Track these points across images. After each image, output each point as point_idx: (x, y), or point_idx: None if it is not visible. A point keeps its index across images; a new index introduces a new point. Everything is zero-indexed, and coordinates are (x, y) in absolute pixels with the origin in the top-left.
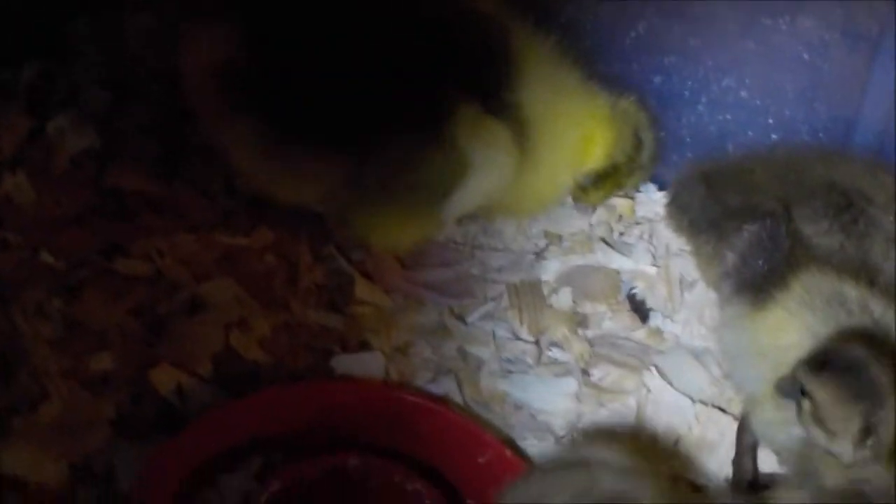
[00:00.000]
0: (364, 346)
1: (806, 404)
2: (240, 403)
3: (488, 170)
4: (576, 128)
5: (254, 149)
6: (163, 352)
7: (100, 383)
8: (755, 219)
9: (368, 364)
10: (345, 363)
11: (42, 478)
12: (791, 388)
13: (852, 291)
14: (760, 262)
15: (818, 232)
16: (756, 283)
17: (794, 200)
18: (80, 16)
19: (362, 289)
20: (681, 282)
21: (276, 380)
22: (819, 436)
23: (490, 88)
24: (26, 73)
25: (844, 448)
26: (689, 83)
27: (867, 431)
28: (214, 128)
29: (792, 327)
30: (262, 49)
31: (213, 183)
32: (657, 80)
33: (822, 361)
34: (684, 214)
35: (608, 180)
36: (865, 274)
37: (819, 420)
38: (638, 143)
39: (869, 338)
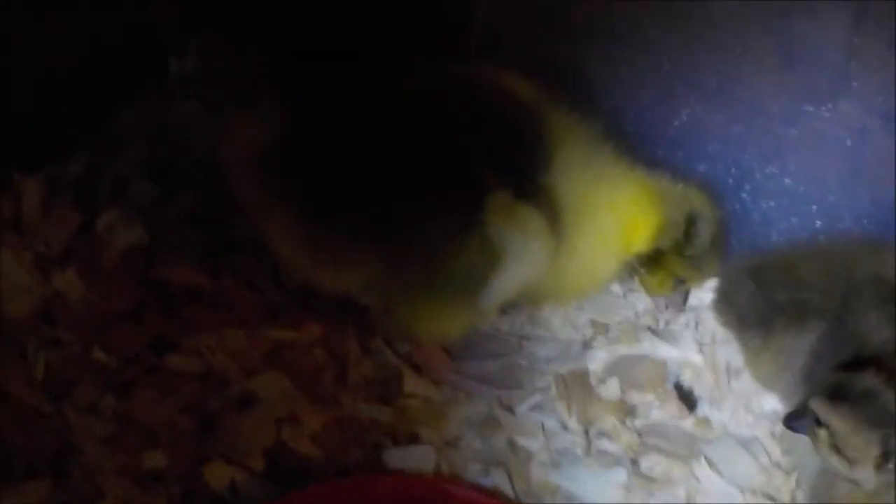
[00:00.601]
0: (414, 438)
1: (823, 434)
2: (292, 499)
3: (523, 256)
4: (614, 212)
5: (294, 237)
6: (214, 448)
7: (153, 480)
8: (816, 320)
9: (419, 458)
10: (396, 457)
11: None
12: (801, 422)
13: None
14: (829, 364)
15: (868, 326)
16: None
17: (842, 295)
18: (125, 106)
19: (411, 381)
20: (727, 370)
21: (328, 474)
22: (839, 464)
23: (523, 173)
24: (73, 167)
25: (866, 475)
26: (733, 170)
27: (886, 456)
28: (255, 217)
29: None
30: (300, 138)
31: (260, 276)
32: (701, 167)
33: (837, 392)
34: (731, 309)
35: (660, 267)
36: None
37: (838, 449)
38: (690, 230)
39: (879, 364)
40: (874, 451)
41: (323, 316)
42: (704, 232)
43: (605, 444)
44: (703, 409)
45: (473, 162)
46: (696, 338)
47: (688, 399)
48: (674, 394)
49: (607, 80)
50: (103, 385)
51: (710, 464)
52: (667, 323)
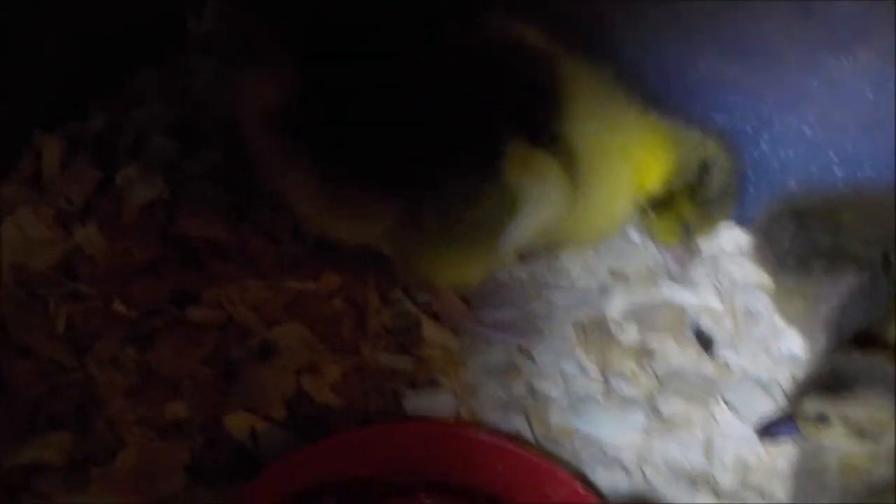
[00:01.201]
0: (433, 386)
1: (838, 426)
2: (313, 448)
3: (541, 203)
4: (627, 155)
5: (310, 191)
6: (236, 398)
7: (175, 431)
8: (855, 269)
9: (439, 404)
10: (416, 403)
11: None
12: (783, 427)
13: None
14: (861, 316)
15: None
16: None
17: (883, 247)
18: (145, 64)
19: (430, 330)
20: (746, 314)
21: (348, 423)
22: (861, 447)
23: (538, 121)
24: (93, 123)
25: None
26: (752, 120)
27: None
28: (272, 172)
29: None
30: (316, 92)
31: (280, 229)
32: (719, 117)
33: (835, 383)
34: (771, 248)
35: (670, 211)
36: None
37: (860, 432)
38: (703, 175)
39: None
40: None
41: (342, 267)
42: (718, 178)
43: (624, 389)
44: (722, 353)
45: (489, 112)
46: (715, 284)
47: (706, 343)
48: (692, 339)
49: (625, 33)
50: (125, 338)
51: (730, 406)
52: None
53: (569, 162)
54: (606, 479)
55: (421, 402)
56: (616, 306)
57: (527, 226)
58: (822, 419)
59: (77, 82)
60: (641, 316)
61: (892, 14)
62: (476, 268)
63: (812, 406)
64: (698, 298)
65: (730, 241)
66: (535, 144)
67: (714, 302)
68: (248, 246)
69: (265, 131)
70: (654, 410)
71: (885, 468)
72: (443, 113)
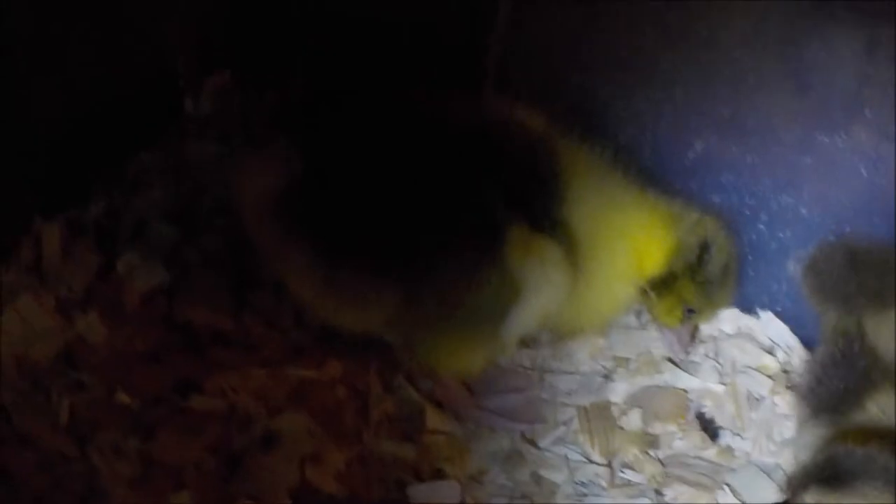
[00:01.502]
0: (438, 474)
1: None
2: None
3: (542, 289)
4: (627, 238)
5: (311, 277)
6: (240, 488)
7: None
8: (828, 340)
9: (444, 493)
10: (420, 493)
11: None
12: None
13: None
14: (836, 383)
15: None
16: (832, 405)
17: None
18: (143, 149)
19: (433, 418)
20: (748, 399)
21: None
22: None
23: (538, 206)
24: (93, 209)
25: None
26: (749, 201)
27: None
28: (272, 257)
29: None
30: (315, 176)
31: (281, 315)
32: (717, 198)
33: (832, 474)
34: (818, 280)
35: (671, 293)
36: None
37: None
38: (703, 255)
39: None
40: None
41: (344, 354)
42: (717, 257)
43: (629, 475)
44: (726, 438)
45: (490, 197)
46: (717, 367)
47: (710, 428)
48: (696, 423)
49: (622, 112)
50: (128, 427)
51: (734, 492)
52: (686, 354)
53: (569, 246)
54: None
55: (426, 491)
56: (619, 391)
57: (528, 311)
58: None
59: (76, 167)
60: (644, 401)
61: (884, 91)
62: (478, 354)
63: (812, 498)
64: (700, 382)
65: (730, 322)
66: (536, 229)
67: (716, 386)
68: (250, 333)
69: (264, 215)
70: (660, 497)
71: None
72: (442, 196)
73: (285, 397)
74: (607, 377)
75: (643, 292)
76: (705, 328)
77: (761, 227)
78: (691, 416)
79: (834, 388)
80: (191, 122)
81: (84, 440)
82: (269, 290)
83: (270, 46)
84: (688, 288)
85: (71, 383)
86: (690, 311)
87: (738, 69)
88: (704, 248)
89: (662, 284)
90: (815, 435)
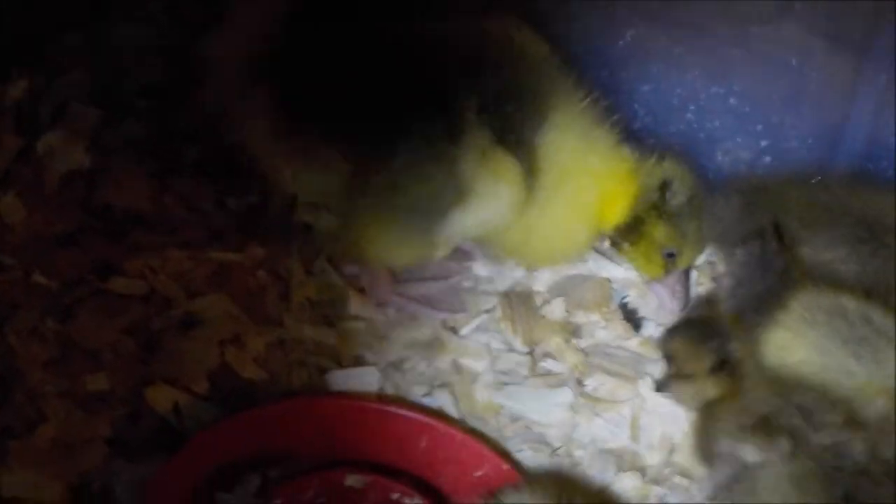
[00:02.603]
0: (359, 361)
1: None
2: (236, 421)
3: (488, 201)
4: (593, 180)
5: (270, 126)
6: (158, 370)
7: (96, 403)
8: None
9: (363, 379)
10: (340, 379)
11: (40, 499)
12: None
13: (851, 303)
14: (755, 284)
15: (836, 258)
16: (754, 306)
17: (818, 225)
18: (68, 29)
19: (356, 303)
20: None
21: (272, 397)
22: (684, 388)
23: (510, 124)
24: (13, 90)
25: (703, 385)
26: (678, 91)
27: (721, 365)
28: (234, 114)
29: (797, 345)
30: (297, 32)
31: (203, 199)
32: (645, 88)
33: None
34: (717, 224)
35: (642, 237)
36: (877, 294)
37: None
38: (665, 192)
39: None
40: (708, 362)
41: (266, 238)
42: (680, 191)
43: (550, 365)
44: (649, 328)
45: (460, 99)
46: None
47: (633, 319)
48: (619, 314)
49: (553, 3)
50: (45, 309)
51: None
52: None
53: (531, 170)
54: (532, 457)
55: (345, 377)
56: (542, 280)
57: (470, 219)
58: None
59: None
60: (567, 290)
61: None
62: (410, 249)
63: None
64: (624, 272)
65: None
66: (499, 142)
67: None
68: (170, 216)
69: (234, 71)
70: (580, 387)
71: None
72: (411, 86)
73: (205, 280)
74: (530, 266)
75: (616, 244)
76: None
77: (690, 116)
78: (614, 305)
79: (754, 289)
80: (117, 4)
81: (1, 321)
82: (191, 174)
83: None
84: (657, 227)
85: None
86: (670, 254)
87: None
88: (665, 185)
89: (631, 231)
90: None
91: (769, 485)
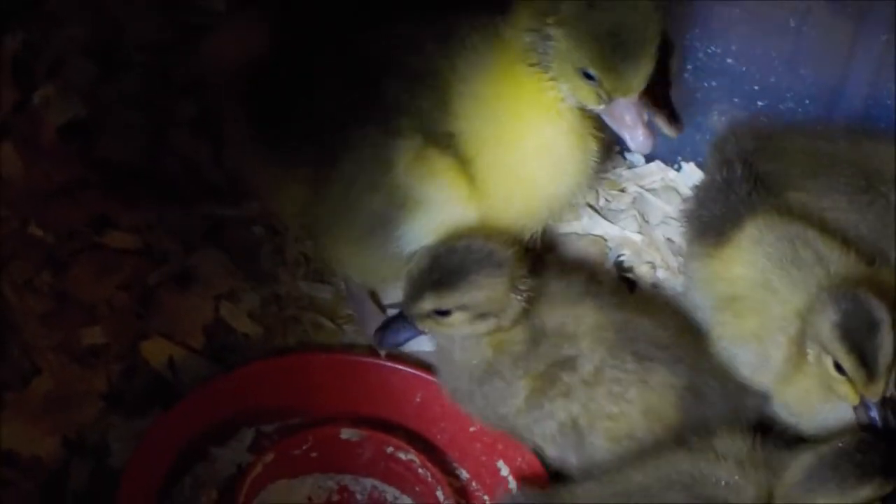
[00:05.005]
0: (353, 317)
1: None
2: (231, 376)
3: (434, 203)
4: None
5: (248, 149)
6: (153, 324)
7: (91, 357)
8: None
9: (355, 335)
10: (332, 334)
11: (35, 451)
12: (404, 330)
13: (803, 231)
14: (716, 205)
15: (834, 206)
16: (713, 225)
17: (819, 173)
18: None
19: None
20: (668, 248)
21: (266, 352)
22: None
23: (435, 120)
24: (9, 43)
25: None
26: (675, 50)
27: None
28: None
29: (739, 260)
30: (272, 55)
31: (200, 155)
32: None
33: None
34: (723, 168)
35: (556, 62)
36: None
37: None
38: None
39: None
40: None
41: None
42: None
43: None
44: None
45: (392, 106)
46: (637, 218)
47: (627, 278)
48: (614, 271)
49: None
50: (41, 261)
51: None
52: (608, 202)
53: (464, 160)
54: None
55: (338, 332)
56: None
57: (423, 226)
58: (440, 313)
59: None
60: (562, 247)
61: None
62: (377, 262)
63: (429, 304)
64: (619, 230)
65: (653, 177)
66: (430, 142)
67: (634, 235)
68: (167, 171)
69: (225, 81)
70: None
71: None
72: (359, 100)
73: (201, 235)
74: None
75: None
76: (630, 185)
77: (687, 76)
78: (609, 264)
79: (715, 210)
80: None
81: None
82: (188, 130)
83: None
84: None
85: None
86: (588, 76)
87: None
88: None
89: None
90: (698, 252)
91: None
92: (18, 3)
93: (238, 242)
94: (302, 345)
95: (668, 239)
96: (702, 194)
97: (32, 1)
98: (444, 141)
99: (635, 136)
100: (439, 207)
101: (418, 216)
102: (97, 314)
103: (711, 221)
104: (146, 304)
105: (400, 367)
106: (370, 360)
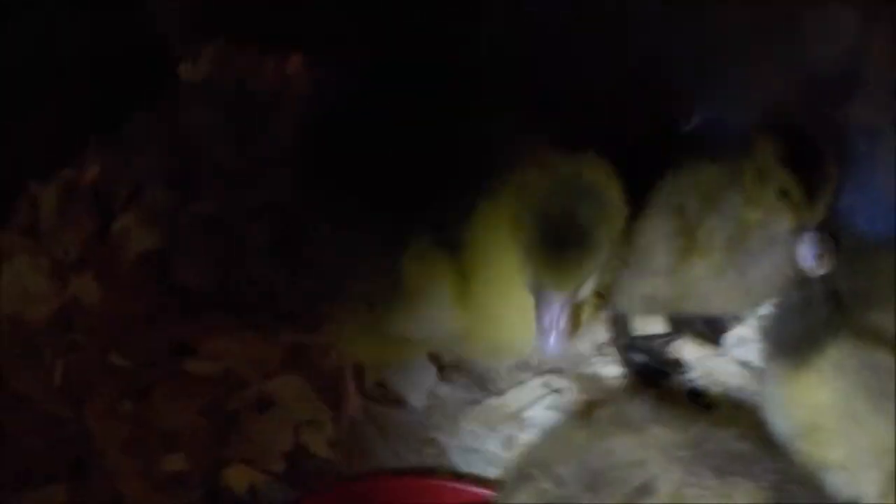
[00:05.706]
0: (431, 442)
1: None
2: (311, 501)
3: (430, 303)
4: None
5: None
6: (234, 450)
7: (173, 484)
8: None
9: (438, 459)
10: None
11: None
12: None
13: (885, 359)
14: (796, 326)
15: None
16: (793, 346)
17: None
18: (140, 111)
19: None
20: None
21: (347, 476)
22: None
23: (451, 224)
24: (89, 172)
25: None
26: None
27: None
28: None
29: (822, 389)
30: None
31: (276, 280)
32: None
33: None
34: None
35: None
36: None
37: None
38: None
39: None
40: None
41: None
42: None
43: None
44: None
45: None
46: None
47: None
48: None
49: None
50: (122, 389)
51: None
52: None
53: (468, 269)
54: None
55: (421, 457)
56: None
57: (413, 318)
58: None
59: (72, 130)
60: None
61: None
62: (371, 340)
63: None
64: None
65: None
66: (437, 245)
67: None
68: (243, 297)
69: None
70: None
71: None
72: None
73: (279, 361)
74: None
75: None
76: None
77: None
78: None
79: (793, 329)
80: (187, 87)
81: (78, 401)
82: (264, 255)
83: (269, 13)
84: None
85: (65, 344)
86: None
87: None
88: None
89: None
90: (776, 372)
91: None
92: (96, 132)
93: (316, 368)
94: (383, 468)
95: (743, 362)
96: (781, 311)
97: (110, 130)
98: (451, 246)
99: (544, 339)
100: (434, 309)
101: (410, 308)
102: (178, 441)
103: (788, 340)
104: (227, 431)
105: (481, 490)
106: (452, 483)
